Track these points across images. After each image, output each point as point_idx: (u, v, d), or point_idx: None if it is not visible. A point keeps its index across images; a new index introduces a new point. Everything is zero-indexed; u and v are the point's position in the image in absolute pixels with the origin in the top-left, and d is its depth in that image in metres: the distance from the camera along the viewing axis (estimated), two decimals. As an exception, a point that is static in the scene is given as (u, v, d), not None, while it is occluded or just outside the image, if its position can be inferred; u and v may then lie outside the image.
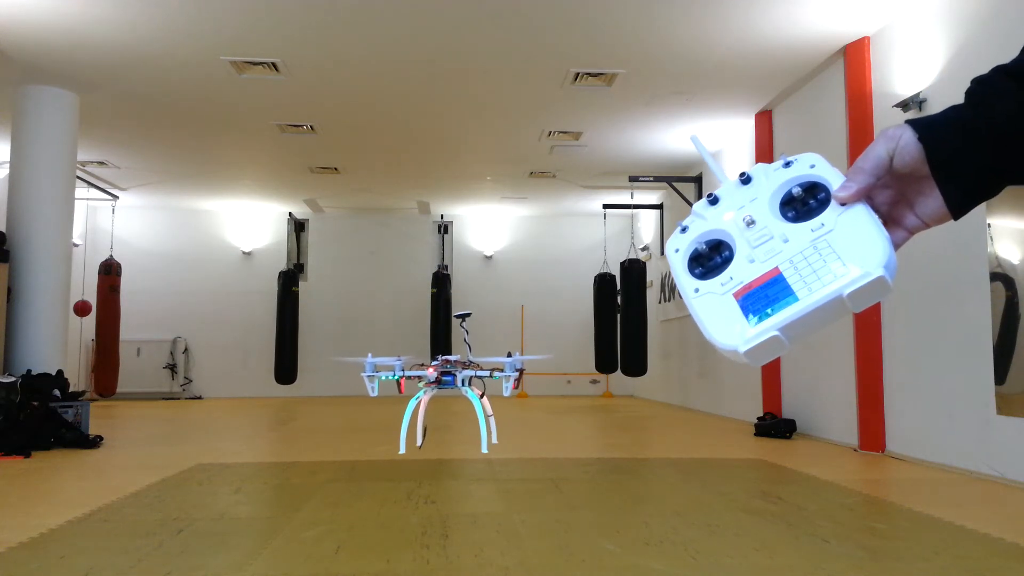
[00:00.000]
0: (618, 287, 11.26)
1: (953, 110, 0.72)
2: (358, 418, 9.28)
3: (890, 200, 0.75)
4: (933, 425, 5.33)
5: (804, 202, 0.74)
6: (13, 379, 6.56)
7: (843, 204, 0.72)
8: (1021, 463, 4.51)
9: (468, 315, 2.75)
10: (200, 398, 13.55)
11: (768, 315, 0.69)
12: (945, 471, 5.05)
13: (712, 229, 0.77)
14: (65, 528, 3.36)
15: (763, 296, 0.70)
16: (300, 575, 2.66)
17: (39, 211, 7.39)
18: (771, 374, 7.86)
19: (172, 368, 13.64)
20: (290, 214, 13.91)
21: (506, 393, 2.39)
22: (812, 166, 0.75)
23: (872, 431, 5.94)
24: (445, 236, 14.58)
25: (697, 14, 5.96)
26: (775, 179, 0.76)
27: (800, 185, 0.74)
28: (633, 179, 10.50)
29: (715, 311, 0.72)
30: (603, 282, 11.50)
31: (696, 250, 0.76)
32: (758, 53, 6.69)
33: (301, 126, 8.92)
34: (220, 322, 13.97)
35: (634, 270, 10.67)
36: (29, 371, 6.95)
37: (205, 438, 7.10)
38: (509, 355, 2.51)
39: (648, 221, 13.67)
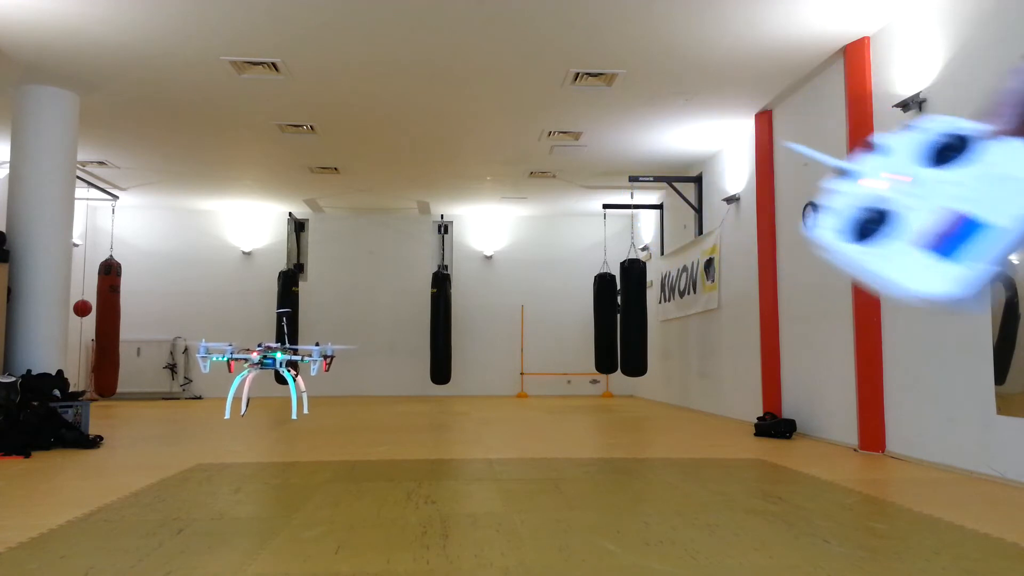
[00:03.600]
0: (618, 287, 11.26)
1: None
2: (358, 418, 9.28)
3: None
4: (933, 425, 5.33)
5: (950, 151, 0.73)
6: (13, 379, 6.56)
7: (1003, 136, 0.71)
8: (1021, 463, 4.51)
9: (288, 312, 3.45)
10: (200, 398, 13.55)
11: (973, 251, 0.66)
12: (945, 471, 5.05)
13: (865, 197, 0.75)
14: (65, 528, 3.36)
15: (958, 237, 0.67)
16: (300, 575, 2.66)
17: (39, 211, 7.39)
18: (771, 374, 7.86)
19: (172, 368, 13.64)
20: (290, 214, 13.92)
21: (312, 373, 3.18)
22: (944, 123, 0.75)
23: (872, 431, 5.94)
24: (445, 236, 14.58)
25: (697, 14, 5.96)
26: (912, 139, 0.75)
27: (944, 136, 0.74)
28: (633, 179, 10.50)
29: (905, 266, 0.69)
30: (603, 282, 11.50)
31: (856, 218, 0.74)
32: (758, 53, 6.69)
33: (301, 126, 8.92)
34: (220, 322, 13.97)
35: (634, 270, 10.67)
36: (29, 371, 6.95)
37: (205, 438, 7.09)
38: (317, 344, 3.20)
39: (648, 221, 13.67)
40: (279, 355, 3.07)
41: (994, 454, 4.73)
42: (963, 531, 3.33)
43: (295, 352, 3.03)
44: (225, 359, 2.98)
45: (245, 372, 3.25)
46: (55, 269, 7.45)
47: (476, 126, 8.94)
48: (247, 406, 3.14)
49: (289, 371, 3.18)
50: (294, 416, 3.14)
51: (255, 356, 3.13)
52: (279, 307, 12.46)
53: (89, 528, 3.36)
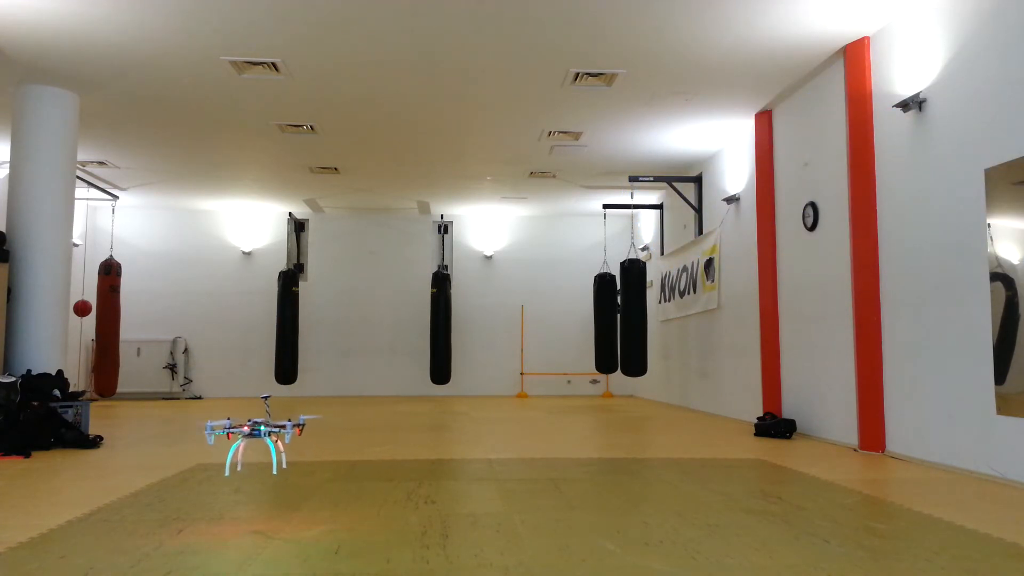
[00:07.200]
0: (618, 287, 11.26)
1: None
2: (358, 418, 9.28)
3: None
4: (933, 425, 5.33)
5: None
6: (13, 379, 6.56)
7: None
8: (1021, 463, 4.51)
9: (268, 396, 5.24)
10: (200, 398, 13.55)
11: None
12: (945, 471, 5.05)
13: None
14: (65, 528, 3.36)
15: None
16: (300, 575, 2.66)
17: (39, 211, 7.39)
18: (771, 374, 7.86)
19: (172, 368, 13.64)
20: (290, 214, 13.92)
21: (287, 440, 4.65)
22: None
23: (872, 431, 5.94)
24: (445, 236, 14.58)
25: (697, 14, 5.96)
26: None
27: None
28: (633, 179, 10.50)
29: None
30: (603, 282, 11.50)
31: None
32: (758, 53, 6.69)
33: (301, 126, 8.92)
34: (220, 322, 13.97)
35: (634, 270, 10.67)
36: (29, 371, 6.95)
37: (205, 438, 7.09)
38: (289, 420, 4.73)
39: (648, 221, 13.67)
40: (263, 427, 4.65)
41: (994, 454, 4.73)
42: (963, 531, 3.33)
43: (275, 426, 4.70)
44: (224, 432, 4.54)
45: (239, 441, 4.71)
46: (55, 269, 7.45)
47: (476, 126, 8.94)
48: (239, 467, 5.02)
49: (270, 438, 4.70)
50: (275, 471, 4.83)
51: (246, 429, 4.60)
52: (279, 308, 12.49)
53: (89, 528, 3.36)
